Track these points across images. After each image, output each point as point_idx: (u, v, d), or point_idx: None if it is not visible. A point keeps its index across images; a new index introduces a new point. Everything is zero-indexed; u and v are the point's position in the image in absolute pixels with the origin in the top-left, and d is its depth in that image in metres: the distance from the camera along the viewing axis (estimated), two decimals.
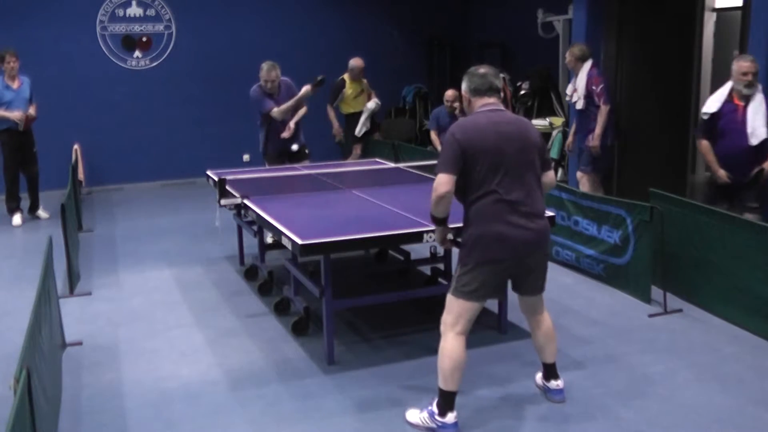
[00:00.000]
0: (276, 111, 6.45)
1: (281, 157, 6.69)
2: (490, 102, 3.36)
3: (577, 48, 6.73)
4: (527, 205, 3.26)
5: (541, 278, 3.45)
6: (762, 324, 4.33)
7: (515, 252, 3.25)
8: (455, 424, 3.31)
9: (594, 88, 6.52)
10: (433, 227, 3.53)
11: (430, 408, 3.36)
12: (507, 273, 3.34)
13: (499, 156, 3.20)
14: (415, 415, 3.42)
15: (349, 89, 8.63)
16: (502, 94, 3.48)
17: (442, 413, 3.31)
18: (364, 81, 8.80)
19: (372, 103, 8.74)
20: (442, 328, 3.35)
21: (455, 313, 3.31)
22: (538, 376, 3.73)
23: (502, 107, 3.41)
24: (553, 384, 3.63)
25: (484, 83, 3.35)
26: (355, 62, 8.53)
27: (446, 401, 3.31)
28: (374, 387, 3.83)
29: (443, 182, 3.19)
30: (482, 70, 3.41)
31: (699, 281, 4.80)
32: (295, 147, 6.69)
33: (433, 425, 3.32)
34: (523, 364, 4.00)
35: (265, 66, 6.47)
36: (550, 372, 3.64)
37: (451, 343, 3.28)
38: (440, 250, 4.96)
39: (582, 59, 6.69)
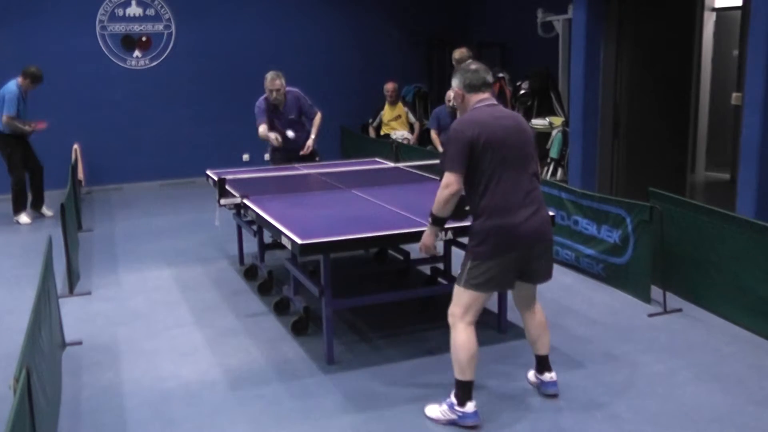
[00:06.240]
0: (261, 132, 6.16)
1: (289, 162, 6.42)
2: (485, 97, 3.38)
3: (457, 52, 7.10)
4: (532, 196, 3.31)
5: (548, 265, 3.49)
6: (762, 324, 4.33)
7: (526, 242, 3.29)
8: (476, 412, 3.35)
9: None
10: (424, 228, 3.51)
11: (448, 400, 3.40)
12: (517, 263, 3.35)
13: (505, 149, 3.25)
14: (434, 410, 3.45)
15: (386, 112, 9.55)
16: (497, 91, 3.50)
17: (462, 403, 3.35)
18: (404, 108, 9.51)
19: (398, 134, 9.31)
20: (451, 320, 3.39)
21: (465, 305, 3.35)
22: (531, 374, 3.76)
23: (496, 102, 3.44)
24: (547, 377, 3.65)
25: (478, 78, 3.37)
26: (386, 85, 9.34)
27: (465, 391, 3.35)
28: (374, 387, 3.83)
29: (453, 180, 3.22)
30: (474, 66, 3.44)
31: (699, 281, 4.80)
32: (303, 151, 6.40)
33: (454, 416, 3.36)
34: (523, 364, 3.98)
35: (268, 75, 6.15)
36: (543, 364, 3.66)
37: (463, 333, 3.33)
38: (440, 249, 4.96)
39: (459, 62, 7.03)
